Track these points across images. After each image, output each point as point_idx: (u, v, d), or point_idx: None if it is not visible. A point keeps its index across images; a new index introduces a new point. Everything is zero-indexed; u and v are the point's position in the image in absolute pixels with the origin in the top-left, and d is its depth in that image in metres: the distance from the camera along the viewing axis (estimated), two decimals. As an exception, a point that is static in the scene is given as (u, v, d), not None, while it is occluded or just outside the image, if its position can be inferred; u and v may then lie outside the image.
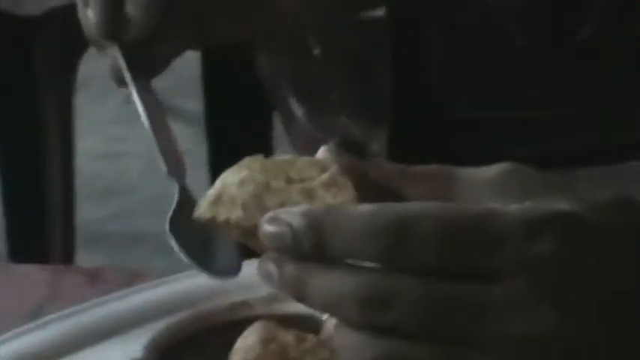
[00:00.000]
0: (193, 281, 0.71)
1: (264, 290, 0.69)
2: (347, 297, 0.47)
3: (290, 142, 1.08)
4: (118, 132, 2.29)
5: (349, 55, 0.94)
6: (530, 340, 0.46)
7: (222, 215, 0.51)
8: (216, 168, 1.63)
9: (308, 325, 0.60)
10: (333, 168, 0.52)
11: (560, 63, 0.89)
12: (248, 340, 0.59)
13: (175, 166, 0.66)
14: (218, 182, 0.52)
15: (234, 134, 1.64)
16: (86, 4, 0.70)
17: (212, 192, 0.52)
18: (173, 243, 0.62)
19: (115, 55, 0.71)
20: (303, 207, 0.49)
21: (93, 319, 0.71)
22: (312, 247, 0.47)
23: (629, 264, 0.48)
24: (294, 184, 0.52)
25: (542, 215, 0.47)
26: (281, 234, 0.48)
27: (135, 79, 0.70)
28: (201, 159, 1.73)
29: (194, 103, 1.91)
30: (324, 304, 0.48)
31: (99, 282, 0.78)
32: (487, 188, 0.51)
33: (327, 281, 0.48)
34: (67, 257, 1.60)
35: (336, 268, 0.48)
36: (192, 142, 2.16)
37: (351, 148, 0.81)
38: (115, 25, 0.71)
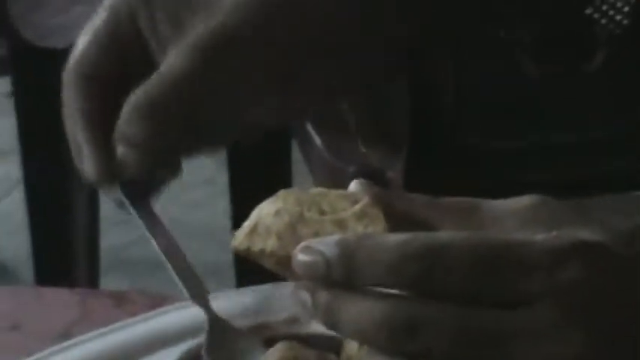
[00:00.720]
0: (216, 304, 0.68)
1: (285, 312, 0.71)
2: (378, 324, 0.47)
3: (309, 170, 1.07)
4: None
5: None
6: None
7: (257, 245, 0.52)
8: (237, 196, 1.66)
9: (329, 345, 0.62)
10: (365, 200, 0.52)
11: (571, 92, 0.89)
12: (271, 359, 0.61)
13: (198, 291, 0.64)
14: (254, 214, 0.53)
15: (254, 163, 1.65)
16: (79, 156, 0.66)
17: (248, 223, 0.53)
18: None
19: (116, 191, 0.67)
20: (335, 237, 0.49)
21: (120, 340, 0.71)
22: (344, 276, 0.48)
23: None
24: (327, 215, 0.52)
25: (568, 244, 0.48)
26: (314, 263, 0.48)
27: (139, 209, 0.67)
28: (223, 188, 1.76)
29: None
30: (355, 332, 0.48)
31: (125, 305, 0.78)
32: (515, 219, 0.51)
33: (358, 309, 0.48)
34: (92, 281, 1.62)
35: (368, 295, 0.48)
36: (214, 171, 2.20)
37: (368, 176, 0.77)
38: (110, 173, 0.66)
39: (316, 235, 0.51)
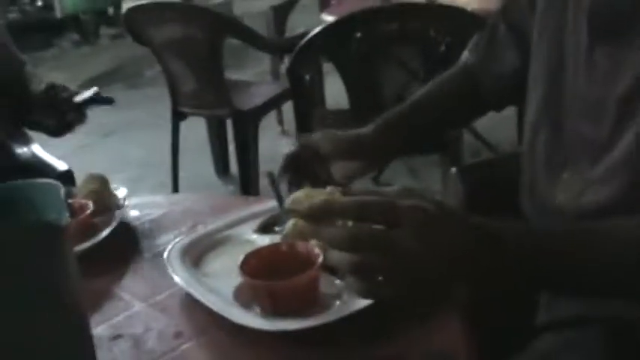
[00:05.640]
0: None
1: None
2: (336, 238, 0.74)
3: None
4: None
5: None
6: (407, 253, 0.74)
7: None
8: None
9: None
10: (336, 192, 0.87)
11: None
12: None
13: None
14: (291, 196, 0.93)
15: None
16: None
17: (290, 199, 0.93)
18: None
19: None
20: (322, 201, 0.77)
21: (239, 215, 1.11)
22: (323, 215, 0.74)
23: (446, 233, 0.76)
24: (318, 196, 0.86)
25: (415, 204, 0.75)
26: (314, 211, 0.75)
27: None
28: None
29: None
30: (327, 242, 0.76)
31: (230, 205, 1.18)
32: (394, 194, 0.78)
33: (329, 232, 0.75)
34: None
35: (335, 227, 0.74)
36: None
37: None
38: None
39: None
